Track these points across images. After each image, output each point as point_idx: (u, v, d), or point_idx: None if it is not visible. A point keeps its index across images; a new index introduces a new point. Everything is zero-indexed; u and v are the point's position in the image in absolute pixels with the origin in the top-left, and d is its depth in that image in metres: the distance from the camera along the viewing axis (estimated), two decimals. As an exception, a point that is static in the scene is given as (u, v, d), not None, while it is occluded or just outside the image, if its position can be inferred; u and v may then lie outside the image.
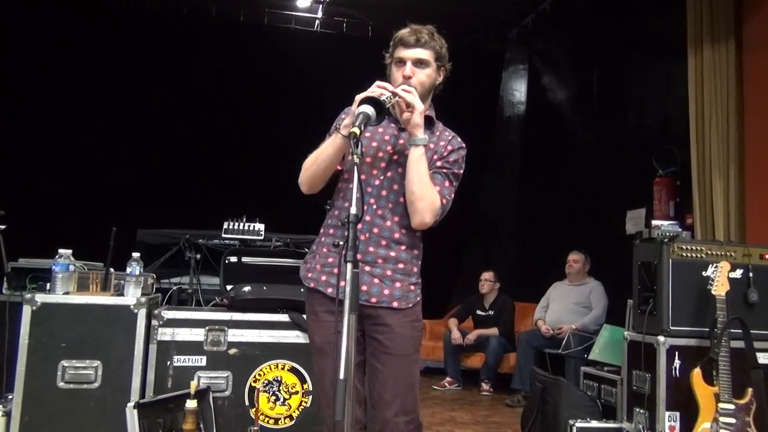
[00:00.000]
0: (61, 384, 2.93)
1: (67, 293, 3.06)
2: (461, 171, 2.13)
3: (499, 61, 7.92)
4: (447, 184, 2.08)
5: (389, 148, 2.08)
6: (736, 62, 4.14)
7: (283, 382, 3.19)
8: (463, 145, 2.16)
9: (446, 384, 5.87)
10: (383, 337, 2.02)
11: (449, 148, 2.11)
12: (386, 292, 2.01)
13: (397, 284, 2.03)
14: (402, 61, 2.07)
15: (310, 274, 2.10)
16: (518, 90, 7.96)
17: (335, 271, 1.94)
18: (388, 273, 2.03)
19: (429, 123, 2.09)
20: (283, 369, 3.20)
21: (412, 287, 2.07)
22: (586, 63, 6.58)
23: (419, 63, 2.06)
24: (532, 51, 7.77)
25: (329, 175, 2.06)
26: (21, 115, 6.08)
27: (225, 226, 3.82)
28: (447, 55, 2.12)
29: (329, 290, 2.03)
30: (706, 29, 4.23)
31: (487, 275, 6.25)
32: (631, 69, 5.82)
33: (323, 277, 2.06)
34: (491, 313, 6.12)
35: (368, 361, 2.05)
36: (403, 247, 2.05)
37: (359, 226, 1.96)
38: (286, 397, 3.19)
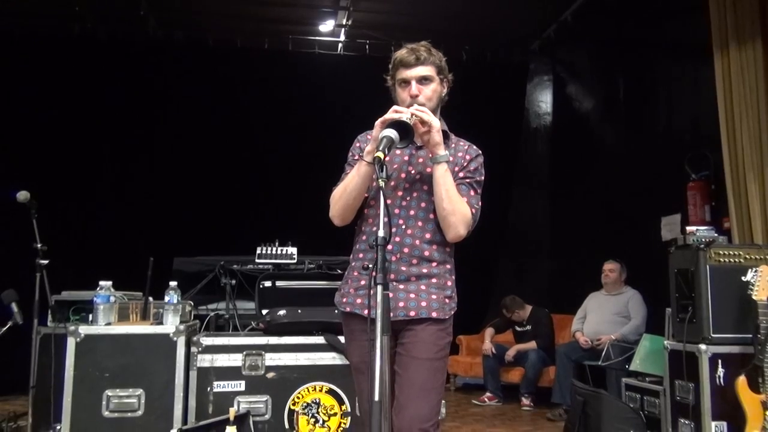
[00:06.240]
0: (106, 413, 3.00)
1: (108, 324, 3.14)
2: (483, 178, 2.18)
3: (523, 74, 7.90)
4: (472, 193, 2.13)
5: (410, 168, 2.14)
6: (764, 62, 4.08)
7: (321, 404, 3.21)
8: (480, 152, 2.21)
9: (486, 399, 5.81)
10: (407, 340, 2.04)
11: (467, 157, 2.17)
12: (423, 304, 2.04)
13: (433, 296, 2.06)
14: (406, 82, 2.12)
15: (345, 299, 2.15)
16: (544, 101, 7.93)
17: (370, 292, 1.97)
18: (423, 288, 2.06)
19: (444, 137, 2.12)
20: (321, 391, 3.22)
21: (447, 300, 2.09)
22: (611, 70, 6.54)
23: (423, 80, 2.12)
24: (556, 61, 7.75)
25: (359, 204, 2.11)
26: (57, 152, 6.28)
27: (258, 250, 3.85)
28: (446, 66, 2.18)
29: (365, 311, 2.04)
30: (731, 31, 4.18)
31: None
32: (657, 74, 5.76)
33: (358, 300, 2.10)
34: (528, 328, 6.07)
35: (395, 369, 2.05)
36: (434, 264, 2.09)
37: (389, 247, 1.99)
38: (325, 419, 3.20)
